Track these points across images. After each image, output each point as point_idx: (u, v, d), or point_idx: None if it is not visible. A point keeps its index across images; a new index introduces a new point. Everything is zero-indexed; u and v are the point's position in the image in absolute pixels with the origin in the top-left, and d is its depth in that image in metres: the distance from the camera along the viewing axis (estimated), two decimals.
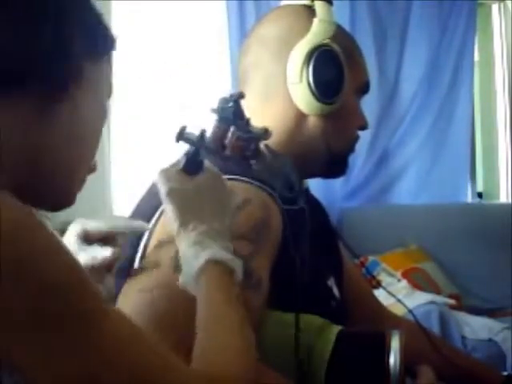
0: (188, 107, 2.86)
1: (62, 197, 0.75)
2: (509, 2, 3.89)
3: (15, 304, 0.55)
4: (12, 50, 0.65)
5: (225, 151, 0.89)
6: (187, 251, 0.80)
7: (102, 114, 0.77)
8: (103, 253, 0.85)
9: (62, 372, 0.57)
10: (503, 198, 3.92)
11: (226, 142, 0.89)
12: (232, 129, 0.89)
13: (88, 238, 0.87)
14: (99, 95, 0.76)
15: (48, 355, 0.57)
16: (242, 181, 0.98)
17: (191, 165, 0.87)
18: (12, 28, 0.66)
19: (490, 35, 3.94)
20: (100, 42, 0.75)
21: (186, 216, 0.82)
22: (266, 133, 0.92)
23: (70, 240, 0.88)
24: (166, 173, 0.87)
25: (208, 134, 0.89)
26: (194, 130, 0.89)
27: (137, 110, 2.79)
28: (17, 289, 0.55)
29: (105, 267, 0.86)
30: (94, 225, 0.88)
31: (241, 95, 0.92)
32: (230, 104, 0.91)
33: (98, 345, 0.58)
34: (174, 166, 0.88)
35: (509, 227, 2.98)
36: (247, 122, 0.91)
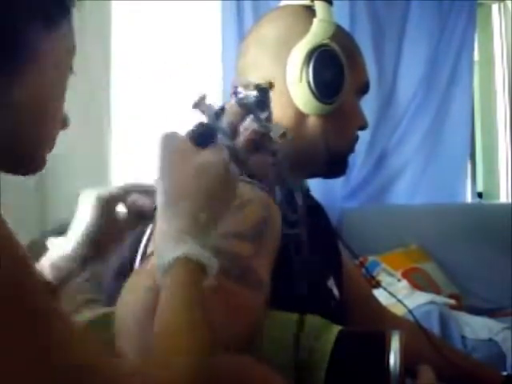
0: (184, 106, 2.86)
1: (30, 159, 0.75)
2: (509, 2, 3.89)
3: None
4: None
5: (236, 138, 0.82)
6: (162, 244, 0.74)
7: (61, 76, 0.76)
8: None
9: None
10: (503, 198, 3.92)
11: (241, 129, 0.83)
12: (251, 119, 0.83)
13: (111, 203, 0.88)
14: (58, 59, 0.74)
15: None
16: (243, 181, 0.98)
17: (201, 137, 0.79)
18: None
19: (490, 35, 3.94)
20: (54, 7, 0.73)
21: (176, 194, 0.76)
22: (283, 135, 0.86)
23: (87, 209, 0.89)
24: (170, 137, 0.79)
25: (224, 115, 0.83)
26: (213, 103, 0.83)
27: (135, 108, 2.79)
28: None
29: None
30: (112, 190, 0.89)
31: (271, 85, 0.89)
32: (255, 92, 0.86)
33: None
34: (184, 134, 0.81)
35: (509, 227, 2.98)
36: (269, 116, 0.86)
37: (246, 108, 0.84)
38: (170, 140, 0.79)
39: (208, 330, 0.69)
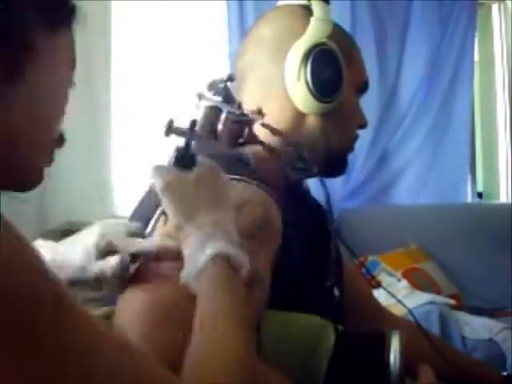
0: (187, 106, 2.86)
1: (25, 173, 0.73)
2: (509, 2, 3.89)
3: None
4: None
5: (217, 137, 0.85)
6: (193, 245, 0.77)
7: (60, 88, 0.75)
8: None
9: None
10: (503, 198, 3.93)
11: (219, 127, 0.86)
12: (224, 112, 0.85)
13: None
14: (57, 69, 0.73)
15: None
16: (242, 181, 0.98)
17: (183, 159, 0.83)
18: None
19: (490, 35, 3.94)
20: (55, 12, 0.72)
21: (186, 210, 0.80)
22: (259, 113, 0.89)
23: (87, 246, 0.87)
24: (159, 169, 0.83)
25: (198, 121, 0.85)
26: (182, 121, 0.85)
27: (137, 108, 2.79)
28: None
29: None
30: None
31: (230, 78, 0.89)
32: (220, 88, 0.87)
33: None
34: (167, 162, 0.85)
35: (509, 227, 2.98)
36: (239, 104, 0.88)
37: (214, 109, 0.86)
38: (160, 170, 0.83)
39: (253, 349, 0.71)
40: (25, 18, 0.68)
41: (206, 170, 0.83)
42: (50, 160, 0.77)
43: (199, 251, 0.76)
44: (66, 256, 0.87)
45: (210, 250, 0.75)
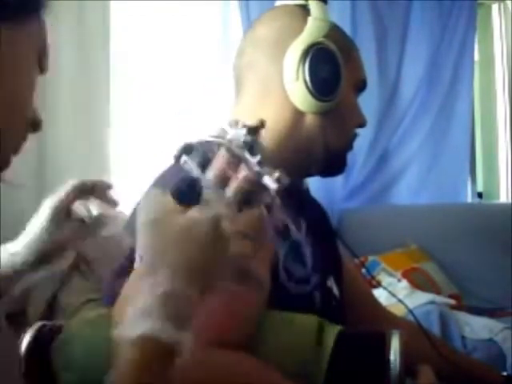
0: (187, 106, 2.87)
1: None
2: (509, 2, 3.89)
3: None
4: None
5: (226, 190, 0.72)
6: (129, 316, 0.66)
7: (23, 74, 0.73)
8: None
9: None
10: (503, 198, 3.92)
11: (233, 179, 0.73)
12: (243, 169, 0.73)
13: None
14: (20, 56, 0.72)
15: None
16: None
17: (186, 194, 0.70)
18: None
19: (490, 35, 3.94)
20: (15, 4, 0.70)
21: (154, 261, 0.67)
22: (278, 190, 0.76)
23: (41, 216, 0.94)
24: (153, 196, 0.72)
25: (213, 165, 0.73)
26: (197, 150, 0.73)
27: (136, 108, 2.79)
28: None
29: None
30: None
31: (262, 124, 0.78)
32: (245, 135, 0.76)
33: None
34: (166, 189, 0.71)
35: (509, 227, 2.98)
36: (260, 162, 0.75)
37: (235, 154, 0.73)
38: (154, 198, 0.71)
39: None
40: None
41: (204, 214, 0.69)
42: (18, 147, 0.76)
43: (132, 323, 0.66)
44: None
45: (138, 330, 0.65)
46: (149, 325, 0.65)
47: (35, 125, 0.78)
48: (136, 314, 0.66)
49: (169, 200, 0.69)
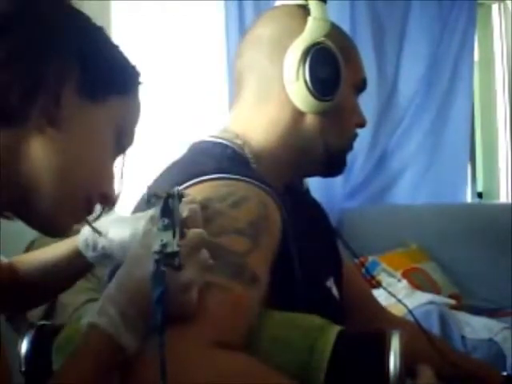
0: (185, 104, 2.87)
1: (47, 224, 0.77)
2: (509, 2, 3.89)
3: None
4: None
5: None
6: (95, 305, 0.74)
7: (96, 150, 0.77)
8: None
9: None
10: (503, 198, 3.92)
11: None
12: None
13: None
14: (94, 134, 0.76)
15: None
16: (243, 180, 0.98)
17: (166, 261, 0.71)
18: None
19: (490, 35, 3.94)
20: (95, 79, 0.75)
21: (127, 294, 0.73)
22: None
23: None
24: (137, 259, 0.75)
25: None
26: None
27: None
28: None
29: None
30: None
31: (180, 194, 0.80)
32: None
33: None
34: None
35: (509, 227, 2.98)
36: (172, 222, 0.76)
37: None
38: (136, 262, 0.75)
39: None
40: (58, 76, 0.72)
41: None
42: (79, 217, 0.80)
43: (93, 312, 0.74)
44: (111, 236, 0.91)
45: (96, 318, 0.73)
46: (101, 316, 0.72)
47: (107, 199, 0.80)
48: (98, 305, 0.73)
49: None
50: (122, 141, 0.82)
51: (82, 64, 0.74)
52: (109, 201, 0.81)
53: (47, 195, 0.74)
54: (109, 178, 0.82)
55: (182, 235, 0.75)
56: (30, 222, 0.77)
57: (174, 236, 0.71)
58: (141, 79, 0.83)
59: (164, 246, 0.69)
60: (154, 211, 0.78)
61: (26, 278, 0.99)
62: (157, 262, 0.69)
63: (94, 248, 0.94)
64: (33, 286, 1.00)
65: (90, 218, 0.86)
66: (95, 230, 0.90)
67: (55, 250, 0.98)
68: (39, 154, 0.73)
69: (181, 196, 0.77)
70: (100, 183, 0.80)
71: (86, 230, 0.95)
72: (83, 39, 0.76)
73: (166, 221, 0.72)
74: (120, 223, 0.93)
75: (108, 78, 0.77)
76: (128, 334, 0.72)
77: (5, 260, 1.00)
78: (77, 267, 0.98)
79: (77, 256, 0.96)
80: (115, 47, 0.81)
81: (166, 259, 0.69)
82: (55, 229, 0.79)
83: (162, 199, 0.77)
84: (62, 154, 0.74)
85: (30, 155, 0.72)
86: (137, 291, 0.73)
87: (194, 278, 0.74)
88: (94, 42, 0.77)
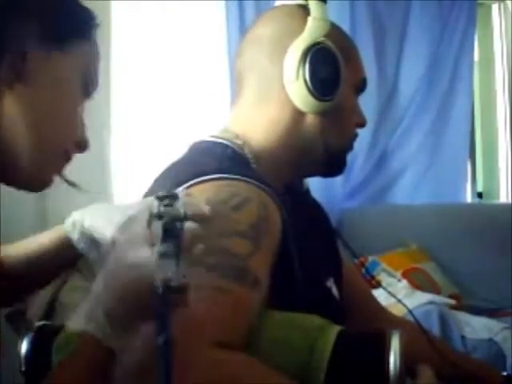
0: (186, 104, 2.87)
1: (29, 180, 0.77)
2: (509, 2, 3.89)
3: None
4: None
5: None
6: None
7: (65, 99, 0.77)
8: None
9: None
10: (503, 198, 3.92)
11: None
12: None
13: None
14: (61, 81, 0.76)
15: None
16: (243, 180, 0.98)
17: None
18: None
19: (490, 35, 3.94)
20: (54, 29, 0.75)
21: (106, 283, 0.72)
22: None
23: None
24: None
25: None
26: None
27: (136, 106, 2.79)
28: None
29: None
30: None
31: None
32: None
33: None
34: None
35: (509, 227, 2.97)
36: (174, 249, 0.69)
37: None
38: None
39: None
40: (10, 32, 0.71)
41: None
42: (59, 167, 0.78)
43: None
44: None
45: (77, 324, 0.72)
46: (89, 321, 0.71)
47: (81, 146, 0.80)
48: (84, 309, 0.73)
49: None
50: (87, 86, 0.81)
51: (41, 14, 0.74)
52: (85, 147, 0.81)
53: (26, 151, 0.74)
54: (80, 125, 0.81)
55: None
56: (13, 181, 0.77)
57: (177, 265, 0.63)
58: (97, 22, 0.82)
59: (168, 280, 0.62)
60: (148, 212, 0.70)
61: (11, 270, 0.98)
62: (162, 298, 0.62)
63: (82, 232, 0.93)
64: (17, 279, 0.98)
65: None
66: (69, 182, 0.86)
67: (40, 241, 0.98)
68: (12, 110, 0.73)
69: (185, 218, 0.68)
70: (73, 131, 0.80)
71: (72, 215, 0.95)
72: None
73: (171, 247, 0.64)
74: (111, 212, 0.92)
75: (67, 25, 0.77)
76: (115, 334, 0.71)
77: None
78: (63, 257, 0.96)
79: (63, 245, 0.95)
80: None
81: (170, 294, 0.62)
82: (38, 183, 0.79)
83: (166, 219, 0.67)
84: (33, 107, 0.74)
85: (3, 114, 0.72)
86: (124, 290, 0.70)
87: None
88: None
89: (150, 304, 0.64)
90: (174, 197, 0.69)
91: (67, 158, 0.80)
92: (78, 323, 0.72)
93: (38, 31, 0.74)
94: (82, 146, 0.81)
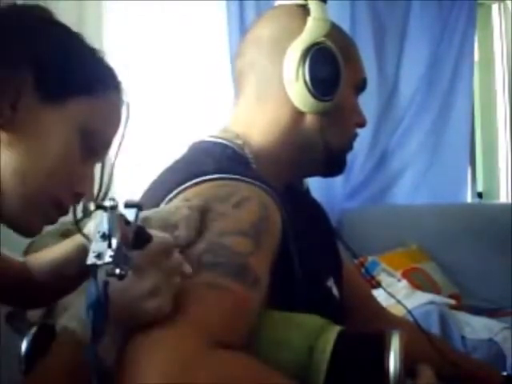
0: (187, 104, 2.87)
1: (17, 225, 0.79)
2: (509, 2, 3.89)
3: None
4: None
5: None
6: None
7: (59, 151, 0.77)
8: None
9: None
10: (503, 198, 3.92)
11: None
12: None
13: None
14: (46, 138, 0.76)
15: None
16: (243, 180, 0.98)
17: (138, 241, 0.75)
18: None
19: (490, 35, 3.94)
20: (49, 83, 0.76)
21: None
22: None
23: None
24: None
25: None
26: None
27: (136, 106, 2.78)
28: None
29: None
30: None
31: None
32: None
33: None
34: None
35: (509, 227, 2.97)
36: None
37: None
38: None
39: None
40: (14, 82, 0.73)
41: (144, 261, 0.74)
42: (49, 217, 0.80)
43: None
44: None
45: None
46: (71, 320, 0.73)
47: (79, 199, 0.81)
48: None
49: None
50: (90, 143, 0.81)
51: (35, 67, 0.75)
52: (81, 199, 0.81)
53: (12, 197, 0.75)
54: (80, 178, 0.81)
55: (143, 242, 0.74)
56: (4, 222, 0.78)
57: (109, 246, 0.70)
58: (116, 82, 0.83)
59: (98, 256, 0.70)
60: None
61: (37, 277, 0.99)
62: (92, 272, 0.70)
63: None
64: (42, 287, 1.00)
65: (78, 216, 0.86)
66: (83, 235, 0.89)
67: (60, 250, 0.98)
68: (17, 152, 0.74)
69: (114, 207, 0.73)
70: (69, 183, 0.80)
71: (89, 225, 0.95)
72: (35, 41, 0.76)
73: (102, 232, 0.72)
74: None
75: (65, 80, 0.77)
76: (106, 346, 0.72)
77: (19, 259, 1.00)
78: (83, 265, 0.97)
79: (80, 253, 0.96)
80: (83, 48, 0.81)
81: (109, 269, 0.69)
82: (25, 229, 0.80)
83: (99, 210, 0.74)
84: (19, 155, 0.75)
85: None
86: (113, 304, 0.72)
87: (159, 284, 0.74)
88: (48, 43, 0.77)
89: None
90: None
91: (60, 209, 0.81)
92: (62, 322, 0.74)
93: (33, 81, 0.75)
94: (80, 198, 0.81)
